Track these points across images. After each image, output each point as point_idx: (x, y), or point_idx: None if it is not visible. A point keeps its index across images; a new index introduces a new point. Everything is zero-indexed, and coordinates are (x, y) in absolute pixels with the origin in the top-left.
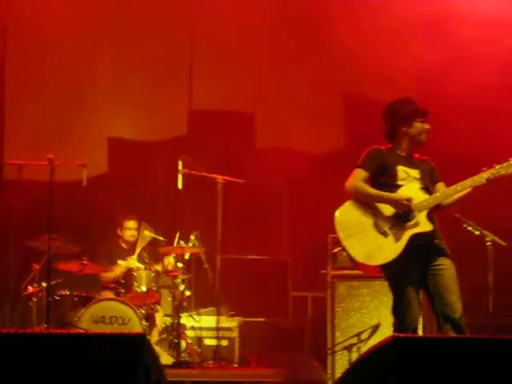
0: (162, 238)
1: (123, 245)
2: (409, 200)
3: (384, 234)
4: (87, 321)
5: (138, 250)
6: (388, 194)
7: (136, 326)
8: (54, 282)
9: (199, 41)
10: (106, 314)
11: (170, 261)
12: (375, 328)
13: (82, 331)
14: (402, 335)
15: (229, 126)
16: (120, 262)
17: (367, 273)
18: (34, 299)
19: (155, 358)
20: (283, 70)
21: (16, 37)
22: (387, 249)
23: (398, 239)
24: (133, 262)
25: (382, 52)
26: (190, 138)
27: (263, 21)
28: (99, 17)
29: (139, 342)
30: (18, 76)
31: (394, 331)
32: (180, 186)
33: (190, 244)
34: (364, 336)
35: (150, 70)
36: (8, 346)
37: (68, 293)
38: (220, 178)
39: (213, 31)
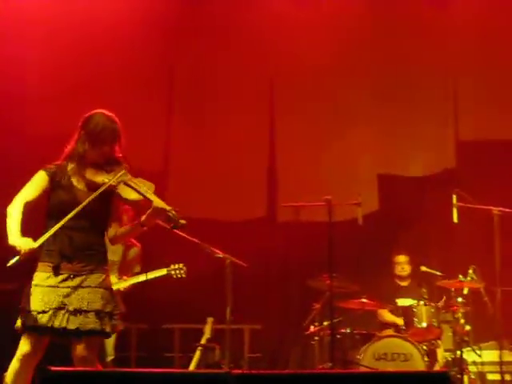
0: (439, 273)
1: (398, 282)
2: None
3: None
4: (369, 358)
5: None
6: None
7: (418, 362)
8: (335, 321)
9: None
10: (388, 351)
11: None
12: None
13: (365, 369)
14: None
15: (498, 155)
16: (397, 300)
17: None
18: (316, 338)
19: None
20: None
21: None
22: None
23: None
24: (409, 300)
25: None
26: (459, 170)
27: None
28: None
29: (444, 380)
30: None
31: None
32: (456, 219)
33: (469, 278)
34: None
35: (413, 102)
36: None
37: (349, 331)
38: (496, 210)
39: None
